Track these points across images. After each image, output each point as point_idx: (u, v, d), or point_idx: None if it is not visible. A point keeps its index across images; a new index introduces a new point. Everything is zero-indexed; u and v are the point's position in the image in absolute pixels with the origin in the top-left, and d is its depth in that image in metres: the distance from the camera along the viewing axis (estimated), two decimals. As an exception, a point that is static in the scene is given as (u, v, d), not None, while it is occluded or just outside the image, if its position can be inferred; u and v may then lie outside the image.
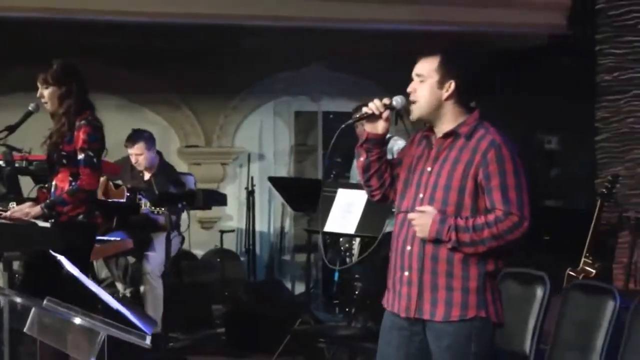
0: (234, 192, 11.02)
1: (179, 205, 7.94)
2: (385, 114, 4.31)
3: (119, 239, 7.86)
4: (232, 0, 9.90)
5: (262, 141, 11.64)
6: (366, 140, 4.38)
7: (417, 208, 4.20)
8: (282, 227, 11.50)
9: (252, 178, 11.05)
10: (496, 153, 4.12)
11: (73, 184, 6.02)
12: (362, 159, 4.42)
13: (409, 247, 4.22)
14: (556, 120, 10.83)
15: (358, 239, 8.01)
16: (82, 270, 6.14)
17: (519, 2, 10.68)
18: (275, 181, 7.99)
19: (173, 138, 11.28)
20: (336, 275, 10.01)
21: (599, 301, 5.19)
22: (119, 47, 10.50)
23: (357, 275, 9.81)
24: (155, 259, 8.19)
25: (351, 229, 6.71)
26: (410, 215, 4.20)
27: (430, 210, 4.15)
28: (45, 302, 3.34)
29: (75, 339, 3.21)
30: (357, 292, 9.70)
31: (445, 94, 4.24)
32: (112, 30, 10.01)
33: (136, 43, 10.52)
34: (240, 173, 11.44)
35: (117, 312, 3.78)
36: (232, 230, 11.00)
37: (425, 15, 10.51)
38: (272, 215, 11.57)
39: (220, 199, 9.24)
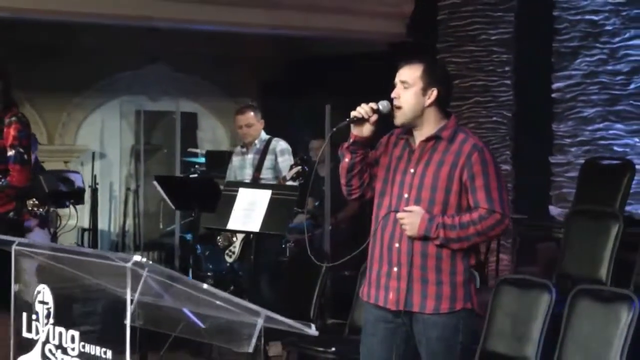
0: (76, 191, 10.93)
1: (67, 203, 7.89)
2: (373, 118, 4.48)
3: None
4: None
5: (104, 139, 11.60)
6: (353, 142, 4.55)
7: (405, 208, 4.43)
8: (124, 226, 11.51)
9: (95, 176, 11.01)
10: (479, 155, 4.40)
11: (2, 180, 5.96)
12: (346, 159, 4.59)
13: (397, 245, 4.45)
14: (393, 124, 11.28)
15: (240, 237, 8.16)
16: (6, 268, 6.14)
17: (359, 9, 11.10)
18: (162, 180, 8.03)
19: (14, 135, 11.04)
20: (190, 272, 10.11)
21: (534, 294, 5.60)
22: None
23: (209, 273, 9.99)
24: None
25: (255, 227, 6.82)
26: (400, 215, 4.42)
27: (417, 209, 4.39)
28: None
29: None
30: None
31: (428, 101, 4.46)
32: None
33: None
34: (83, 171, 11.35)
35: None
36: (92, 229, 10.93)
37: (269, 19, 10.80)
38: (113, 214, 11.56)
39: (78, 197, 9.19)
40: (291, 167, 7.84)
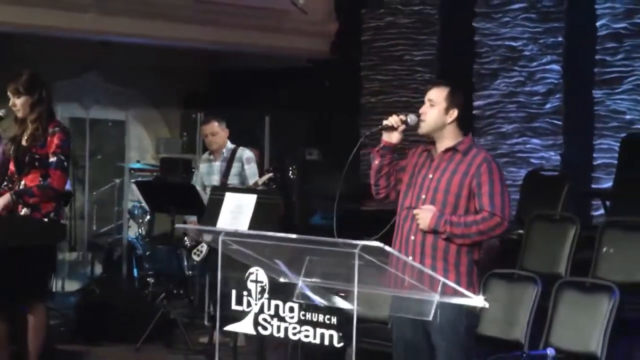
0: (14, 194, 11.24)
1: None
2: (401, 127, 5.29)
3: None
4: (10, 8, 10.27)
5: (42, 146, 11.94)
6: (382, 147, 5.36)
7: (421, 207, 5.25)
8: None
9: (32, 181, 11.38)
10: (487, 167, 5.25)
11: (43, 182, 6.49)
12: (376, 162, 5.38)
13: (412, 237, 5.25)
14: (318, 134, 12.11)
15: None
16: (52, 264, 6.75)
17: (285, 27, 11.89)
18: (141, 185, 8.65)
19: (-51, 146, 11.29)
20: (135, 271, 10.72)
21: (522, 286, 6.48)
22: None
23: (150, 272, 10.62)
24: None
25: (244, 227, 7.55)
26: (415, 211, 5.24)
27: (430, 207, 5.21)
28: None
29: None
30: (149, 288, 10.48)
31: (449, 119, 5.31)
32: None
33: None
34: (21, 176, 11.68)
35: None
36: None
37: (197, 34, 11.52)
38: (48, 216, 11.95)
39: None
40: (264, 173, 8.60)
